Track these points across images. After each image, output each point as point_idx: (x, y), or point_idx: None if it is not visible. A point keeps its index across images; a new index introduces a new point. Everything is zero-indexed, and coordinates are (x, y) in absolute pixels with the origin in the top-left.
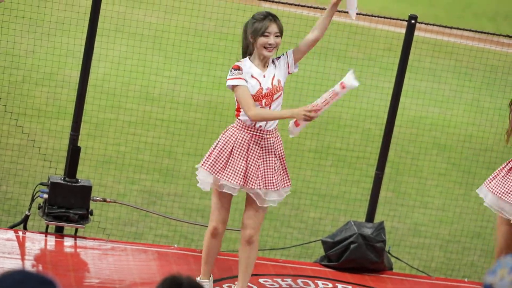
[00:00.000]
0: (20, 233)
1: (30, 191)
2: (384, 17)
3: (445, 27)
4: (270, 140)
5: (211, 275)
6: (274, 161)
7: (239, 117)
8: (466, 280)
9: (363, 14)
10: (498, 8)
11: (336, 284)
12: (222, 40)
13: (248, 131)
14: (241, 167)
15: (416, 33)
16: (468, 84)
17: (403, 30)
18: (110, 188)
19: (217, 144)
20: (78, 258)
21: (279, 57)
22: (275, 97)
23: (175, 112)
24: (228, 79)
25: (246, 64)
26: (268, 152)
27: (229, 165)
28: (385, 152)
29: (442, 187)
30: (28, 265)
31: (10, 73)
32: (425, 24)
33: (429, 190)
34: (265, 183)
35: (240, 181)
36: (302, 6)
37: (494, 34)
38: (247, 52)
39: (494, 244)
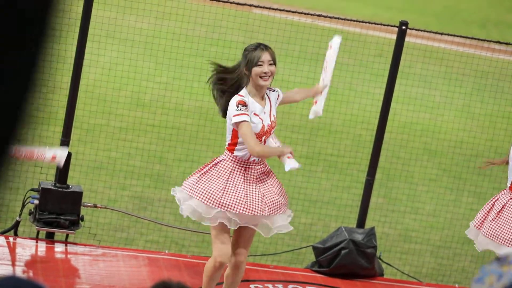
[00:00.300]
0: (11, 239)
1: (21, 197)
2: (375, 23)
3: (436, 33)
4: (263, 169)
5: None
6: (275, 184)
7: (233, 153)
8: (457, 286)
9: (354, 20)
10: (488, 15)
11: None
12: (213, 46)
13: (243, 165)
14: (241, 196)
15: (406, 39)
16: (459, 90)
17: (394, 36)
18: (101, 194)
19: (205, 173)
20: (69, 264)
21: (274, 90)
22: (272, 131)
23: (166, 117)
24: (235, 115)
25: (248, 100)
26: (267, 177)
27: (226, 195)
28: (376, 158)
29: (433, 193)
30: (19, 271)
31: None
32: (416, 30)
33: (420, 195)
34: (274, 208)
35: (243, 209)
36: (292, 12)
37: (484, 40)
38: (229, 93)
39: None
